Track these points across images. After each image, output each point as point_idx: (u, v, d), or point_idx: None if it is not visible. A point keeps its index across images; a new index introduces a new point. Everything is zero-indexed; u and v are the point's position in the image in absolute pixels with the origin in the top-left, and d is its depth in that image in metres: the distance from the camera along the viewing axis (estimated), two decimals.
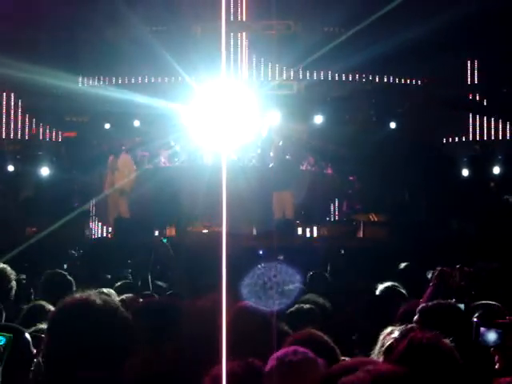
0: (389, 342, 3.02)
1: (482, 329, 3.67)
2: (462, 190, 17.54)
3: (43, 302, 5.14)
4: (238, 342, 2.68)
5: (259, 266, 4.04)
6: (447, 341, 2.86)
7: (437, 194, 17.46)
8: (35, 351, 3.53)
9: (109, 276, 9.18)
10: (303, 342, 3.31)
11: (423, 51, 18.06)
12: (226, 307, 3.51)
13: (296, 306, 4.91)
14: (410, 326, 3.07)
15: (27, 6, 17.90)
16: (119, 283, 7.16)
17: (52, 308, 4.85)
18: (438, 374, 2.71)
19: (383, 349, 3.02)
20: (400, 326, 3.37)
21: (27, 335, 3.52)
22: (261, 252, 11.11)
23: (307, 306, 4.93)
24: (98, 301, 2.51)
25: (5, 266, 5.30)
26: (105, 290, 5.89)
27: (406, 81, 19.97)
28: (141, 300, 5.36)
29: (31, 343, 3.52)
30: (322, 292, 6.24)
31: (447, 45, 17.99)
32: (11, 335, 3.09)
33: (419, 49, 17.81)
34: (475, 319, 3.90)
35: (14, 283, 5.21)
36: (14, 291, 5.23)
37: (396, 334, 3.02)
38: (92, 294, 2.57)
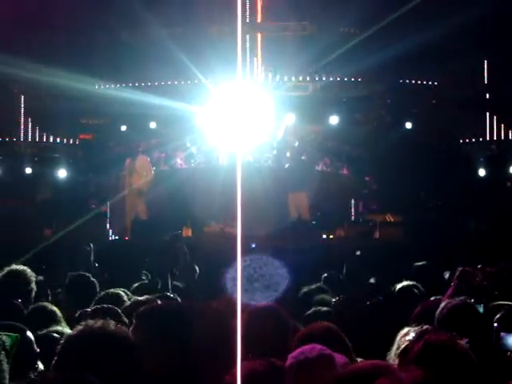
0: (404, 344, 3.02)
1: (502, 333, 3.66)
2: (478, 189, 17.48)
3: (46, 304, 5.17)
4: (253, 344, 2.70)
5: (246, 258, 4.06)
6: (463, 342, 2.86)
7: (453, 193, 17.40)
8: (38, 350, 3.59)
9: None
10: (317, 335, 3.34)
11: (438, 52, 18.02)
12: (242, 308, 3.53)
13: (313, 308, 4.88)
14: (425, 327, 3.07)
15: (47, 11, 18.03)
16: (136, 284, 7.18)
17: (54, 309, 4.91)
18: (454, 376, 2.71)
19: (398, 351, 3.02)
20: (416, 326, 3.37)
21: (29, 333, 3.57)
22: (253, 245, 11.06)
23: (324, 308, 4.89)
24: (110, 331, 2.62)
25: (25, 267, 5.35)
26: (120, 291, 5.93)
27: (421, 81, 19.92)
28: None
29: (34, 341, 3.59)
30: (336, 293, 6.26)
31: (462, 46, 17.94)
32: (18, 335, 3.15)
33: (434, 50, 17.77)
34: (495, 324, 3.89)
35: (34, 285, 5.26)
36: (34, 293, 5.28)
37: (411, 335, 3.02)
38: (105, 323, 2.66)
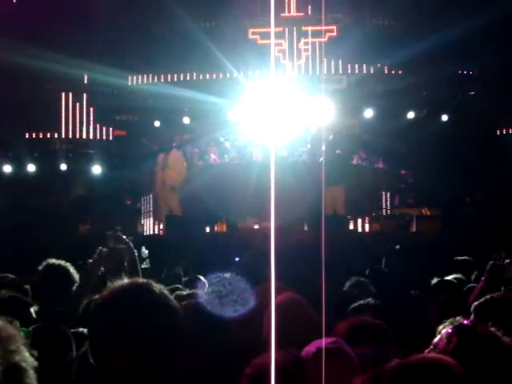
0: (440, 339, 2.92)
1: None
2: None
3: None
4: (285, 334, 2.64)
5: (215, 275, 4.08)
6: (499, 333, 2.78)
7: (491, 187, 17.14)
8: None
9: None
10: (367, 330, 3.26)
11: (475, 42, 17.69)
12: (275, 303, 3.45)
13: (360, 301, 4.73)
14: (461, 321, 2.96)
15: (81, 8, 18.11)
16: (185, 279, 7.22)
17: None
18: (497, 370, 2.60)
19: (433, 344, 2.92)
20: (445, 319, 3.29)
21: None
22: (237, 259, 10.83)
23: (372, 301, 4.70)
24: (155, 288, 2.40)
25: (68, 264, 5.28)
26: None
27: (457, 72, 19.62)
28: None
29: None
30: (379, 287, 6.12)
31: (499, 35, 17.57)
32: (30, 329, 3.13)
33: (470, 39, 17.45)
34: None
35: (77, 282, 5.18)
36: (74, 288, 5.19)
37: (448, 329, 2.92)
38: (150, 281, 2.46)
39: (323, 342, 2.95)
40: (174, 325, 2.36)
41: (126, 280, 2.43)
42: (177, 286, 6.26)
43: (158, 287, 2.41)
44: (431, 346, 2.89)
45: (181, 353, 2.36)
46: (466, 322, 2.92)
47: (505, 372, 2.60)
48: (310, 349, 2.97)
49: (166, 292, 2.43)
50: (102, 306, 2.37)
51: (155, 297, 2.37)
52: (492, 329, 2.82)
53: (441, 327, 3.26)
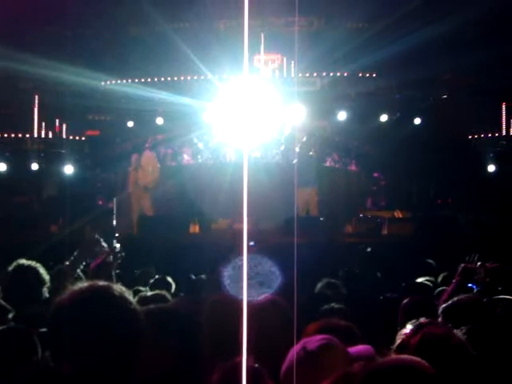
0: (401, 338, 2.96)
1: None
2: (487, 185, 17.35)
3: None
4: (257, 337, 2.63)
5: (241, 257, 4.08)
6: (459, 334, 2.83)
7: (462, 189, 17.28)
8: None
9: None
10: (322, 330, 3.26)
11: (448, 46, 17.84)
12: (247, 304, 3.44)
13: (326, 306, 4.77)
14: (420, 321, 3.01)
15: (52, 4, 17.95)
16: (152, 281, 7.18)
17: None
18: (451, 368, 2.64)
19: (395, 346, 2.95)
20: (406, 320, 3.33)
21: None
22: (252, 243, 10.91)
23: (337, 305, 4.76)
24: (115, 291, 2.42)
25: (38, 265, 5.25)
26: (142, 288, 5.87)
27: (430, 76, 19.74)
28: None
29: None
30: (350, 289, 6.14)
31: (471, 39, 17.72)
32: None
33: (443, 43, 17.60)
34: None
35: (47, 283, 5.14)
36: (46, 291, 5.15)
37: (408, 328, 2.96)
38: (110, 284, 2.49)
39: (315, 339, 2.94)
40: (132, 328, 2.38)
41: (86, 283, 2.45)
42: (138, 288, 6.23)
43: (118, 290, 2.43)
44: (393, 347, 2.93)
45: (141, 356, 2.37)
46: (423, 321, 2.97)
47: (452, 371, 2.64)
48: (306, 345, 2.93)
49: (126, 295, 2.44)
50: (60, 309, 2.39)
51: (114, 300, 2.39)
52: (449, 329, 2.87)
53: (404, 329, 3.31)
